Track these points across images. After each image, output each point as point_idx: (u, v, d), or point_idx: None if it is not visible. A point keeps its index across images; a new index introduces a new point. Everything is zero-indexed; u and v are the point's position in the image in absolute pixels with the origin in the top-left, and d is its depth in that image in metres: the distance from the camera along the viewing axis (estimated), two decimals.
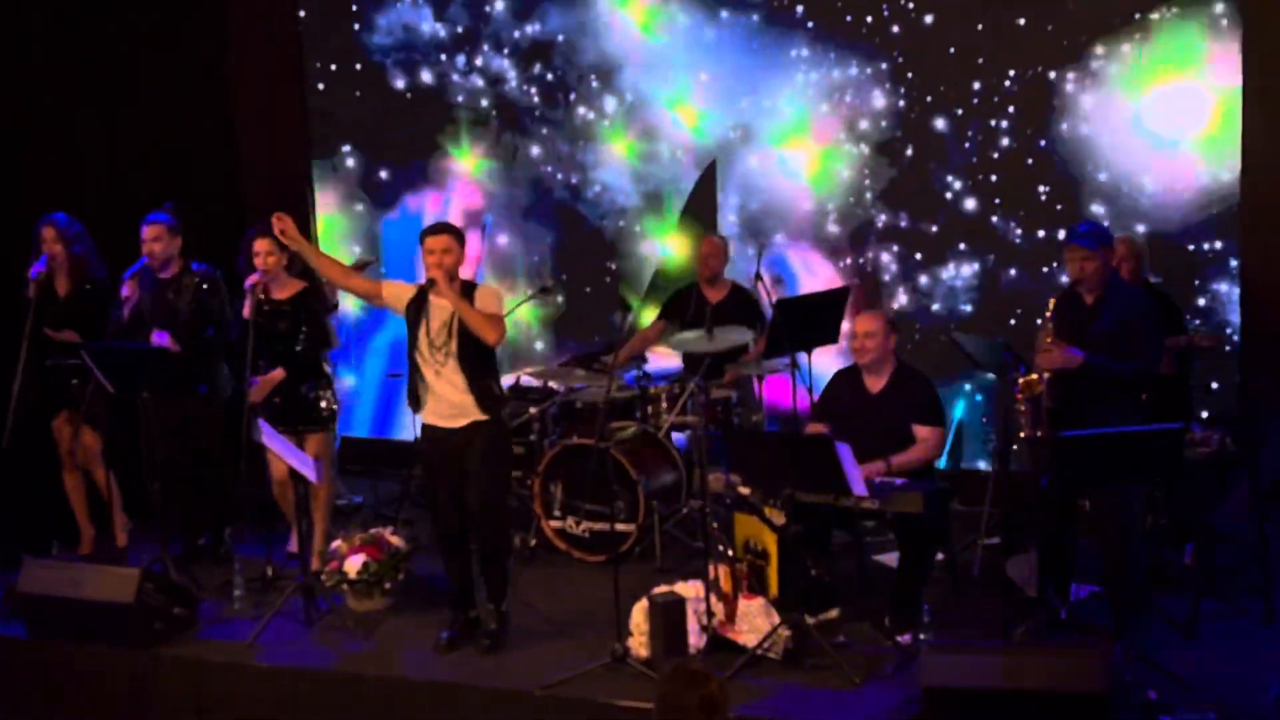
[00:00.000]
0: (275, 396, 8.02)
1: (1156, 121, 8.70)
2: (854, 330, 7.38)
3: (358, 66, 10.65)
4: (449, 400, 7.08)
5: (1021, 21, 8.89)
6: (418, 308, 7.10)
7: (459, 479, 7.14)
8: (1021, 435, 6.90)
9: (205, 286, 8.25)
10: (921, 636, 6.87)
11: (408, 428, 9.79)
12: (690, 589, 7.05)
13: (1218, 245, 8.63)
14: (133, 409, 8.33)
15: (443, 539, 7.33)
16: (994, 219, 9.08)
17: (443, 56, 10.40)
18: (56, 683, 7.52)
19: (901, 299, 9.35)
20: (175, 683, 7.32)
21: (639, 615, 6.98)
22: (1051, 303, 6.84)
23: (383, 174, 10.76)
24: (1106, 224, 8.21)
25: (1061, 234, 8.10)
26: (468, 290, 7.03)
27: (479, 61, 10.29)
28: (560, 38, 10.05)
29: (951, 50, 9.06)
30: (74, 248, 8.33)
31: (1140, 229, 8.64)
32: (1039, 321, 6.89)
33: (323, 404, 8.17)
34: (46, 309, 8.24)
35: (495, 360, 7.25)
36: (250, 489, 8.22)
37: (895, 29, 9.19)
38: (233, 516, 8.67)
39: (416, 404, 7.23)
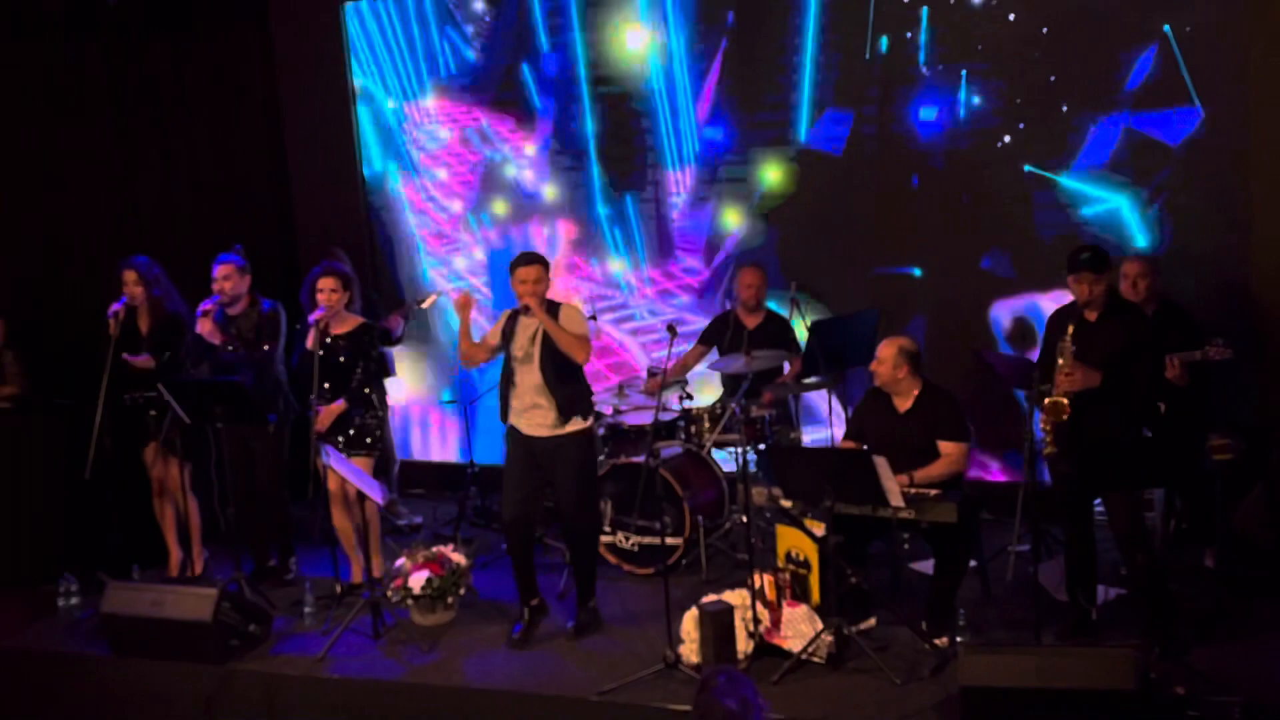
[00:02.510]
0: (332, 423, 8.13)
1: None
2: (876, 353, 7.45)
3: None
4: (531, 407, 7.46)
5: None
6: (509, 328, 7.49)
7: (536, 483, 7.53)
8: (1048, 453, 6.92)
9: (267, 314, 8.43)
10: (957, 639, 6.90)
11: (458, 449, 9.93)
12: (736, 598, 7.10)
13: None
14: (206, 439, 8.44)
15: (506, 535, 7.65)
16: None
17: None
18: (137, 698, 7.59)
19: None
20: (250, 696, 7.40)
21: (689, 623, 7.04)
22: (1070, 328, 6.85)
23: None
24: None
25: None
26: (552, 309, 7.39)
27: None
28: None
29: None
30: (154, 289, 8.46)
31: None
32: (1049, 341, 6.91)
33: (369, 430, 8.24)
34: (128, 347, 8.35)
35: (579, 370, 7.52)
36: (317, 512, 8.29)
37: None
38: (299, 539, 8.75)
39: (505, 413, 7.56)
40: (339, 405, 8.08)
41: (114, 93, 9.62)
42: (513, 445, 7.59)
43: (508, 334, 7.53)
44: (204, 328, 8.21)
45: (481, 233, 10.52)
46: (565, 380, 7.43)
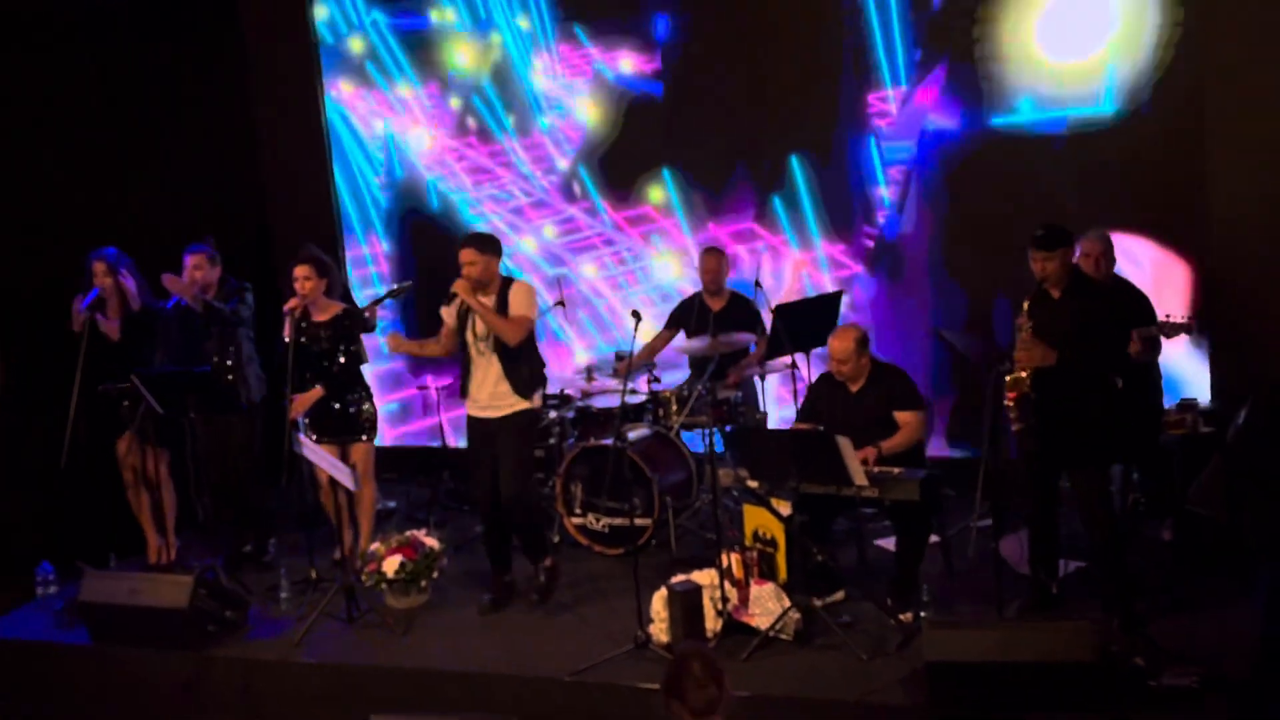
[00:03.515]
0: (320, 412, 8.13)
1: None
2: (829, 351, 7.44)
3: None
4: (488, 389, 7.55)
5: None
6: (466, 311, 7.53)
7: (492, 463, 7.55)
8: (1015, 429, 6.95)
9: (235, 286, 8.47)
10: (922, 614, 6.94)
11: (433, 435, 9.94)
12: (705, 577, 7.12)
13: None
14: (181, 427, 8.42)
15: (481, 514, 7.78)
16: None
17: None
18: (116, 685, 7.58)
19: None
20: (227, 682, 7.40)
21: (659, 603, 7.06)
22: (1025, 303, 6.89)
23: None
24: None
25: None
26: (505, 286, 7.48)
27: None
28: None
29: None
30: (123, 279, 8.42)
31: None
32: (1016, 321, 6.94)
33: (363, 416, 8.25)
34: (98, 338, 8.32)
35: (530, 348, 7.62)
36: (291, 499, 8.28)
37: None
38: (276, 526, 8.75)
39: (465, 394, 7.66)
40: (316, 391, 8.06)
41: (85, 85, 9.53)
42: (472, 430, 7.69)
43: (463, 317, 7.58)
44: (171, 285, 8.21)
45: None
46: (520, 361, 7.52)
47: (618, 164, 10.07)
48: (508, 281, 7.54)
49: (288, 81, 10.78)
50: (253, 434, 8.47)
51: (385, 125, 10.64)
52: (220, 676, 7.41)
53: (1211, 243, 8.51)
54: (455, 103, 10.43)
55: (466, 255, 7.46)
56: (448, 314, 7.63)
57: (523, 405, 7.56)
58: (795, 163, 9.57)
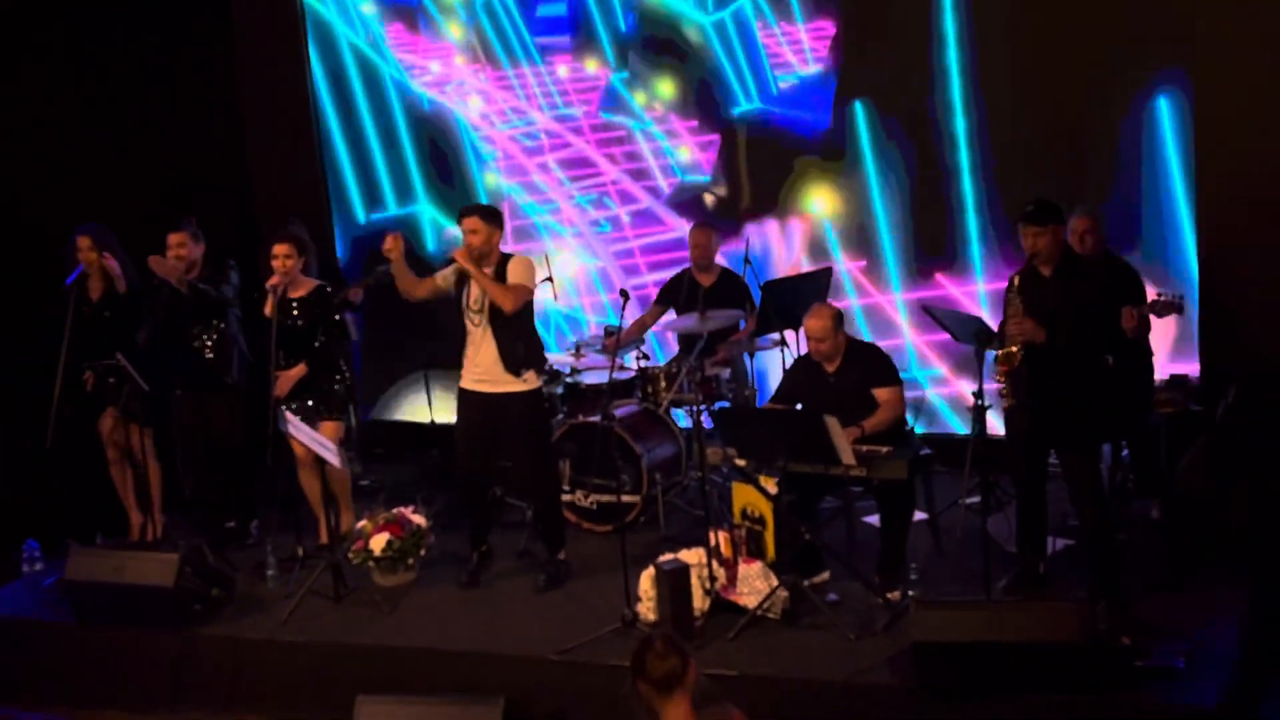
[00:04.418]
0: (295, 388, 8.07)
1: None
2: (806, 331, 7.38)
3: None
4: (484, 363, 7.49)
5: None
6: (461, 280, 7.51)
7: (489, 438, 7.55)
8: (1005, 405, 6.91)
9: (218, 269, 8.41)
10: (910, 593, 6.91)
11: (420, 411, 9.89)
12: (693, 555, 7.08)
13: None
14: (167, 405, 8.36)
15: (464, 487, 7.77)
16: None
17: None
18: (102, 664, 7.53)
19: None
20: (213, 660, 7.36)
21: (646, 582, 7.02)
22: (1016, 279, 6.85)
23: None
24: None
25: None
26: (504, 261, 7.43)
27: None
28: None
29: None
30: (106, 256, 8.36)
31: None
32: (1006, 297, 6.89)
33: (336, 396, 8.21)
34: (81, 314, 8.27)
35: (528, 325, 7.57)
36: (276, 478, 8.24)
37: None
38: (261, 506, 8.69)
39: (462, 366, 7.62)
40: (299, 369, 8.02)
41: (70, 57, 9.45)
42: (464, 403, 7.63)
43: (461, 288, 7.54)
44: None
45: None
46: (516, 335, 7.46)
47: None
48: (507, 256, 7.50)
49: (274, 56, 10.63)
50: (237, 412, 8.41)
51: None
52: (206, 655, 7.36)
53: (1202, 220, 8.46)
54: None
55: (470, 224, 7.42)
56: (441, 275, 7.62)
57: (526, 386, 7.50)
58: None
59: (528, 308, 7.54)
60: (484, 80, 10.20)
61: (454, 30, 10.21)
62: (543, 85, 10.10)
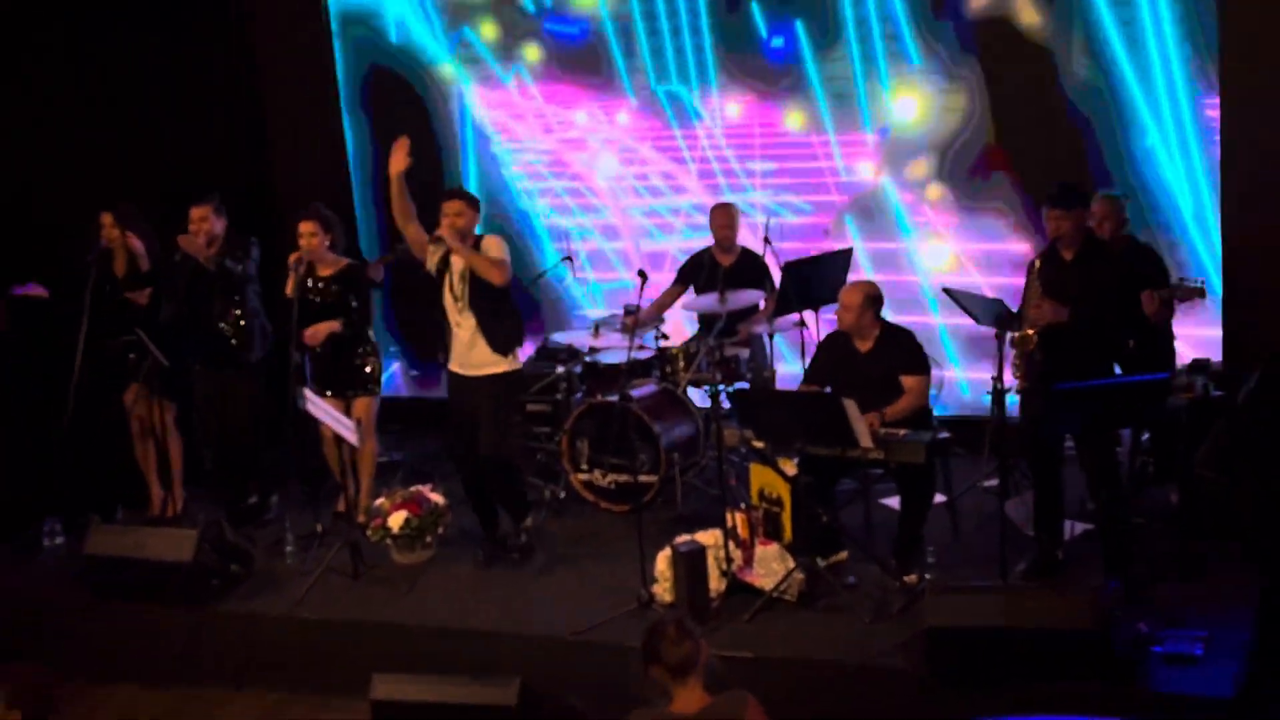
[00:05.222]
0: (324, 366, 8.12)
1: None
2: (839, 299, 7.38)
3: None
4: (467, 347, 7.52)
5: None
6: (443, 266, 7.49)
7: (473, 424, 7.54)
8: (1019, 388, 6.88)
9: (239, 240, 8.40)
10: (926, 576, 6.89)
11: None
12: (709, 537, 7.07)
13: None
14: (189, 380, 8.38)
15: (462, 475, 7.78)
16: None
17: None
18: (120, 639, 7.56)
19: None
20: (230, 636, 7.39)
21: (663, 563, 7.01)
22: (1037, 262, 6.82)
23: None
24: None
25: None
26: (478, 242, 7.52)
27: None
28: None
29: None
30: (129, 232, 8.37)
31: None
32: (1027, 279, 6.85)
33: (368, 369, 8.24)
34: (104, 290, 8.29)
35: (508, 306, 7.61)
36: (296, 454, 8.25)
37: None
38: (280, 481, 8.70)
39: (446, 355, 7.64)
40: (332, 324, 8.07)
41: (91, 37, 9.45)
42: (451, 386, 7.70)
43: (441, 270, 7.55)
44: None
45: None
46: (498, 316, 7.52)
47: None
48: (479, 237, 7.58)
49: (292, 30, 10.59)
50: (257, 389, 8.41)
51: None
52: (223, 631, 7.39)
53: (1225, 204, 8.39)
54: None
55: (454, 206, 7.48)
56: (429, 249, 7.59)
57: (502, 367, 7.54)
58: None
59: (506, 287, 7.55)
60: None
61: None
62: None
